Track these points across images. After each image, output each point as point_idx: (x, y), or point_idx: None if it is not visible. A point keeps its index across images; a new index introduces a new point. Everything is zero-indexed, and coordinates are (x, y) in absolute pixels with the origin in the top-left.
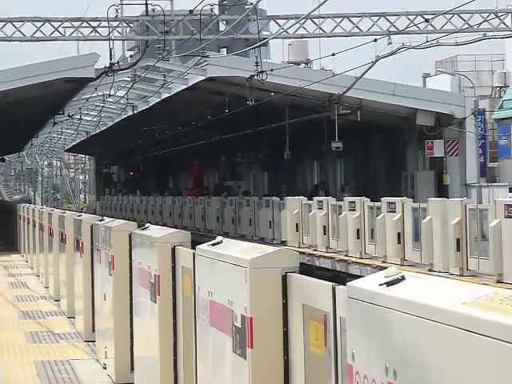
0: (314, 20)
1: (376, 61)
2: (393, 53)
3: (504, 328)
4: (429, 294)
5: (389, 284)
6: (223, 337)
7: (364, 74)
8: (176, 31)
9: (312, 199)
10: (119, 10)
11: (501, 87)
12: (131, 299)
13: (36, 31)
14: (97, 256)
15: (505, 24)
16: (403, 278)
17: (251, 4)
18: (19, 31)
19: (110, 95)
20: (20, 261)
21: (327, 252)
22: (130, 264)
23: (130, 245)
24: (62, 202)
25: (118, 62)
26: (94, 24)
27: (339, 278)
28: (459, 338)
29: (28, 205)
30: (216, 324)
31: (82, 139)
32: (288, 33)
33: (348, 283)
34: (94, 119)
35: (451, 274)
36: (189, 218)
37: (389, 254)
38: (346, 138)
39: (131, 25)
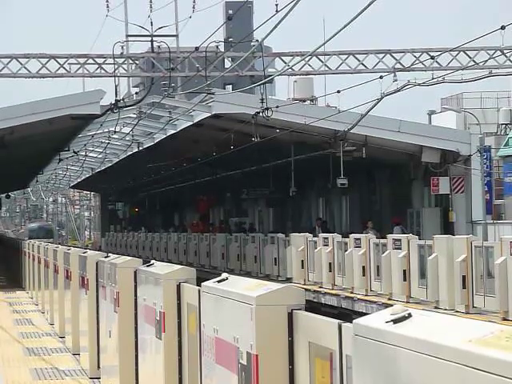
0: (320, 57)
1: (381, 98)
2: (398, 90)
3: (511, 366)
4: (435, 332)
5: (395, 321)
6: (229, 374)
7: (369, 111)
8: (181, 68)
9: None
10: (125, 47)
11: (506, 124)
12: (136, 336)
13: (41, 68)
14: (102, 293)
15: (510, 61)
16: (410, 316)
17: (257, 41)
18: (25, 68)
19: (115, 132)
20: (25, 297)
21: (333, 289)
22: (136, 301)
23: (136, 282)
24: (67, 238)
25: (123, 99)
26: (100, 61)
27: (345, 315)
28: (465, 375)
29: (33, 241)
30: (221, 361)
31: (88, 176)
32: (293, 70)
33: (354, 321)
34: (100, 156)
35: (457, 312)
36: (194, 254)
37: (394, 291)
38: (351, 175)
39: (137, 62)
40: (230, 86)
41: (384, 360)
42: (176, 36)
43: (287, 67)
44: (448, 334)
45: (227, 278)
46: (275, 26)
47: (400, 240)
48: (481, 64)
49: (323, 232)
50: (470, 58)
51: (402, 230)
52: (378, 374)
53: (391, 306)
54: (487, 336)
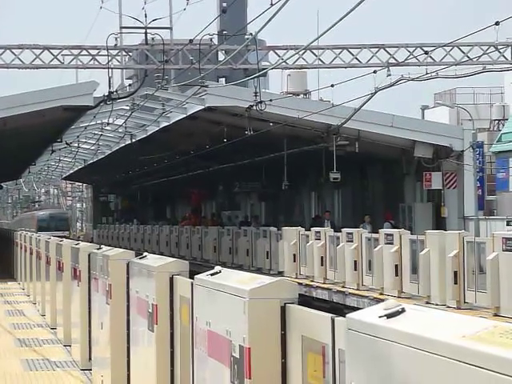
0: (314, 51)
1: (375, 92)
2: (392, 84)
3: (505, 362)
4: (429, 327)
5: (389, 316)
6: (221, 367)
7: (363, 105)
8: (175, 60)
9: (310, 230)
10: (118, 39)
11: (499, 120)
12: (128, 328)
13: (35, 59)
14: (94, 285)
15: (504, 57)
16: (403, 311)
17: (251, 34)
18: (18, 58)
19: (108, 123)
20: (16, 288)
21: (324, 283)
22: (128, 293)
23: (128, 274)
24: None
25: (116, 91)
26: (94, 52)
27: (336, 309)
28: (459, 371)
29: (25, 232)
30: (214, 354)
31: (80, 167)
32: (287, 63)
33: (348, 315)
34: (92, 147)
35: (448, 307)
36: (186, 247)
37: (386, 285)
38: (344, 169)
39: (130, 53)
40: (224, 78)
41: (377, 355)
42: (170, 28)
43: (281, 61)
44: (442, 329)
45: (220, 271)
46: (269, 20)
47: (392, 235)
48: (474, 60)
49: (331, 225)
50: (464, 53)
51: (392, 225)
52: (372, 369)
53: (383, 300)
54: (481, 332)
